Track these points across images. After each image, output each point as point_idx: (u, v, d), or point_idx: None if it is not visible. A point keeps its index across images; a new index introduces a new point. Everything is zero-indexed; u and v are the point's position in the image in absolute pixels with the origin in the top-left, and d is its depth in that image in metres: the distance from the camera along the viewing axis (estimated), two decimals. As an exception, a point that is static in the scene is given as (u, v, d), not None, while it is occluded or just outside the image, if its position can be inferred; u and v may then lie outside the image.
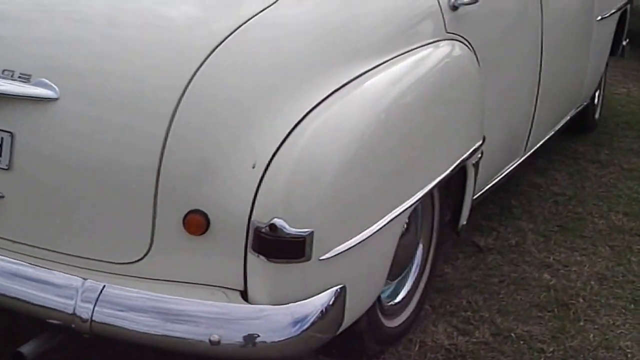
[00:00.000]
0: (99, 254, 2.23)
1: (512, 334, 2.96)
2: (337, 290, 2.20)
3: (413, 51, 2.62)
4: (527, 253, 3.60)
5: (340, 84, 2.30)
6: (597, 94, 5.36)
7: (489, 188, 3.53)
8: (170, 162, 2.14)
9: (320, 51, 2.35)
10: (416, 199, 2.47)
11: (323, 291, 2.16)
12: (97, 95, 2.21)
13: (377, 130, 2.30)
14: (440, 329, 2.97)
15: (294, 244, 2.07)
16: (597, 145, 5.05)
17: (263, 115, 2.17)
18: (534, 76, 3.62)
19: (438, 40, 2.76)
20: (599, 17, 4.55)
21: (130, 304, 2.14)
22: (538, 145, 4.07)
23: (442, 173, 2.64)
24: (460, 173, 2.93)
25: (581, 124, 5.12)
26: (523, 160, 3.97)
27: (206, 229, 2.13)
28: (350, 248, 2.20)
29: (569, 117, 4.55)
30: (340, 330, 2.27)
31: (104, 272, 2.21)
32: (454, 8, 2.86)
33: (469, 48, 2.92)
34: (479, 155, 3.01)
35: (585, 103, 4.84)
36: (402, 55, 2.56)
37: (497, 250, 3.61)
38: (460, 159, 2.79)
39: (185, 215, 2.14)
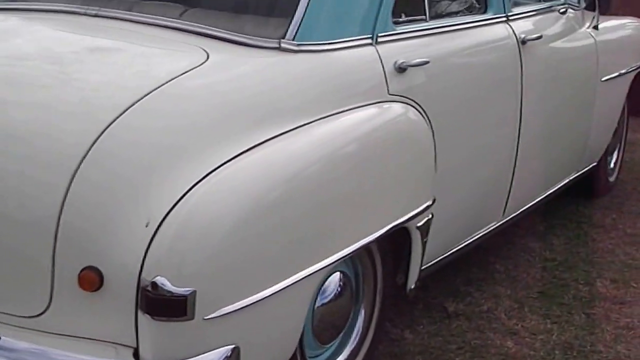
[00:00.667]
0: (3, 307, 2.29)
1: (454, 403, 2.89)
2: (228, 350, 2.20)
3: (342, 113, 2.63)
4: (496, 320, 3.52)
5: (249, 146, 2.32)
6: (614, 157, 5.25)
7: (458, 250, 3.49)
8: (69, 217, 2.19)
9: (231, 115, 2.38)
10: (327, 263, 2.45)
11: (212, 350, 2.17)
12: (8, 149, 2.29)
13: (281, 191, 2.31)
14: (381, 394, 2.92)
15: (175, 303, 2.09)
16: (605, 209, 4.92)
17: (164, 176, 2.21)
18: (510, 138, 3.58)
19: (378, 102, 2.77)
20: (605, 78, 4.47)
21: (21, 357, 2.18)
22: (525, 208, 4.00)
23: (366, 237, 2.61)
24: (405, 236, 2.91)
25: (590, 187, 5.00)
26: (512, 223, 3.94)
27: (100, 286, 2.17)
28: (241, 309, 2.19)
29: (568, 180, 4.46)
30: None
31: (8, 324, 2.27)
32: (401, 70, 2.86)
33: (418, 109, 2.91)
34: (428, 217, 2.98)
35: (591, 165, 4.72)
36: (329, 117, 2.58)
37: (466, 315, 3.54)
38: (395, 223, 2.76)
39: (81, 272, 2.18)
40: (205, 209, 2.16)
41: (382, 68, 2.81)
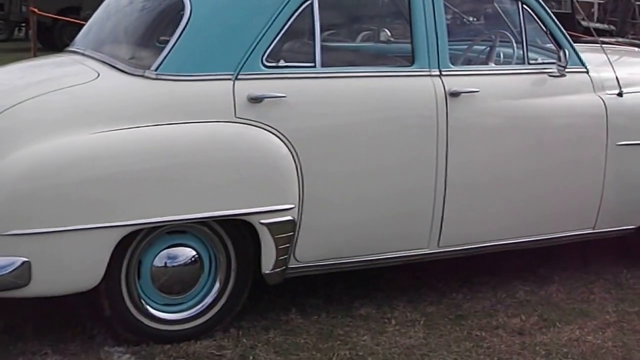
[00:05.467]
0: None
1: None
2: (20, 260, 3.39)
3: (182, 124, 3.68)
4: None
5: (98, 131, 3.56)
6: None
7: (371, 262, 4.19)
8: None
9: (88, 109, 3.62)
10: (120, 225, 3.54)
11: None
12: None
13: (96, 164, 3.52)
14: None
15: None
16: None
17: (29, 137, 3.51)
18: (425, 174, 4.14)
19: (221, 122, 3.74)
20: (624, 143, 4.70)
21: None
22: (485, 246, 4.47)
23: (172, 216, 3.62)
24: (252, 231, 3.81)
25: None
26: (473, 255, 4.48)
27: None
28: (32, 234, 3.38)
29: (573, 234, 4.74)
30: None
31: None
32: (254, 100, 3.78)
33: (270, 130, 3.78)
34: (283, 219, 3.82)
35: (623, 227, 4.88)
36: (169, 125, 3.66)
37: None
38: (222, 213, 3.70)
39: None
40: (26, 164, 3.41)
41: (232, 98, 3.77)
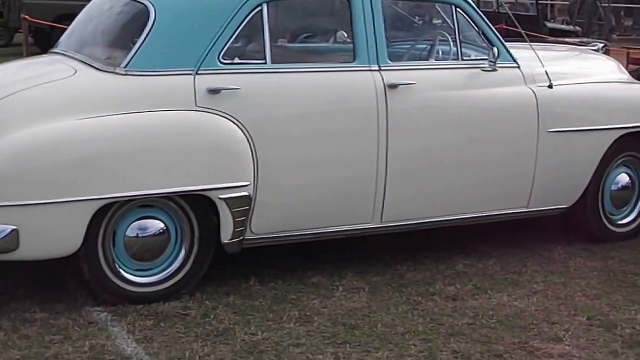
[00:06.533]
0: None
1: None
2: (9, 228, 3.96)
3: (148, 113, 4.26)
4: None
5: (79, 118, 4.16)
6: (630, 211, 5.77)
7: (323, 234, 4.75)
8: None
9: (67, 101, 4.20)
10: (95, 198, 4.12)
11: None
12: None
13: (71, 146, 4.10)
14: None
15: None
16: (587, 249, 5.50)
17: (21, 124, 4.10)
18: (367, 156, 4.69)
19: (182, 110, 4.32)
20: (553, 130, 5.23)
21: None
22: (426, 222, 5.03)
23: (136, 191, 4.21)
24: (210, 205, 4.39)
25: (573, 229, 5.66)
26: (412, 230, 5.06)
27: None
28: (20, 206, 3.95)
29: (509, 212, 5.28)
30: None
31: None
32: (212, 92, 4.35)
33: (227, 118, 4.36)
34: (240, 195, 4.39)
35: (555, 207, 5.41)
36: (138, 113, 4.24)
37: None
38: (181, 189, 4.28)
39: None
40: (16, 146, 4.00)
41: (193, 90, 4.34)
